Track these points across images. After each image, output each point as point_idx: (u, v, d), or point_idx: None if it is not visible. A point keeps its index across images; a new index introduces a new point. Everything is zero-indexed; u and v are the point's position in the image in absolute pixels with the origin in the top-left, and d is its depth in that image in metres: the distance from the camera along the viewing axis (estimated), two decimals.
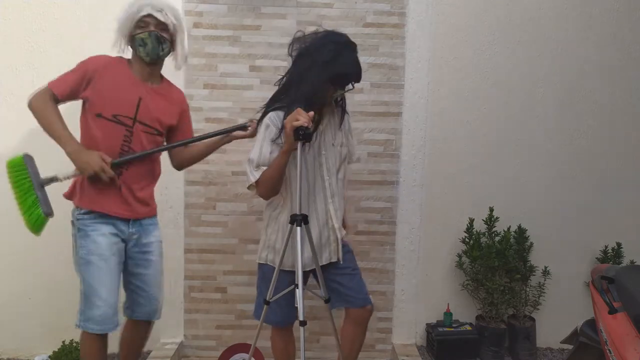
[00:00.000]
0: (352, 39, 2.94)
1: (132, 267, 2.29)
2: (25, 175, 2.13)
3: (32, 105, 2.13)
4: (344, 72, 2.07)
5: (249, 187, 2.17)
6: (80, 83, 2.14)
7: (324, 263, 2.25)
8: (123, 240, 2.24)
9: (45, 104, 2.11)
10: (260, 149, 2.11)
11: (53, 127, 2.12)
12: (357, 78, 2.11)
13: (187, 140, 2.35)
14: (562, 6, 3.05)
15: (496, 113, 3.10)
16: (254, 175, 2.11)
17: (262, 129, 2.13)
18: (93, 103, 2.16)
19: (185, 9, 2.92)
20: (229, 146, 2.97)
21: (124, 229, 2.23)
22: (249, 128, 2.34)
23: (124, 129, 2.17)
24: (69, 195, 2.25)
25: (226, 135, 2.37)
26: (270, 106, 2.17)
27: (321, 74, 2.04)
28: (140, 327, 2.40)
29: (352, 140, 2.40)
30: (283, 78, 2.19)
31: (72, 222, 2.22)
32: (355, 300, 2.28)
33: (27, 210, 2.11)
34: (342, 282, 2.26)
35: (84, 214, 2.18)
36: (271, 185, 2.10)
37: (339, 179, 2.27)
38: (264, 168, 2.09)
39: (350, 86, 2.14)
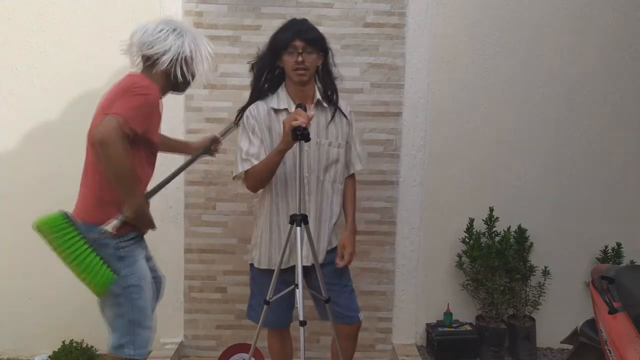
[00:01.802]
0: (352, 39, 2.97)
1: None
2: (74, 234, 1.92)
3: (109, 144, 1.81)
4: (280, 33, 2.11)
5: (234, 177, 2.18)
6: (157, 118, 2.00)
7: (305, 264, 2.17)
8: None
9: (124, 145, 1.85)
10: (249, 139, 2.13)
11: (130, 175, 1.90)
12: (297, 34, 2.07)
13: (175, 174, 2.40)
14: (562, 6, 3.04)
15: (496, 113, 3.10)
16: (242, 166, 2.12)
17: (243, 121, 2.18)
18: (147, 137, 1.99)
19: (185, 9, 2.92)
20: (228, 146, 2.98)
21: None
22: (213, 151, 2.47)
23: (156, 151, 2.16)
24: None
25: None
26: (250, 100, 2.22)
27: (265, 51, 2.15)
28: None
29: (356, 148, 2.33)
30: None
31: (109, 247, 1.99)
32: (343, 317, 2.27)
33: (91, 272, 1.91)
34: (331, 298, 2.22)
35: (127, 240, 2.01)
36: (261, 180, 2.13)
37: (327, 180, 2.22)
38: (253, 161, 2.10)
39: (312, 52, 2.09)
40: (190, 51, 2.06)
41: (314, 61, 2.12)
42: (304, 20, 2.18)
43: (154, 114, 1.99)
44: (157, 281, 2.30)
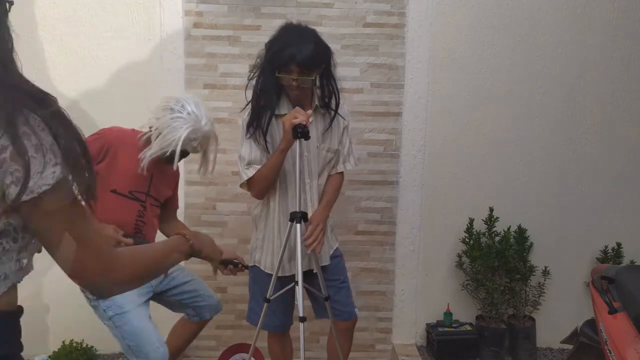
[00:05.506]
0: (352, 39, 2.97)
1: (174, 291, 2.37)
2: None
3: None
4: (279, 50, 1.99)
5: (241, 185, 2.18)
6: (96, 156, 2.06)
7: (304, 270, 2.16)
8: (148, 291, 2.26)
9: None
10: (250, 147, 2.12)
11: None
12: (292, 58, 1.96)
13: None
14: (562, 6, 3.04)
15: (496, 113, 3.10)
16: (246, 174, 2.11)
17: (245, 127, 2.14)
18: (108, 178, 2.10)
19: (185, 9, 2.92)
20: (228, 146, 2.99)
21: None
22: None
23: (138, 204, 2.18)
24: None
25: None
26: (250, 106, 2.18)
27: (264, 61, 2.07)
28: (197, 325, 2.49)
29: (349, 147, 2.31)
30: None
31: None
32: (340, 314, 2.29)
33: None
34: (330, 295, 2.22)
35: None
36: (266, 184, 2.11)
37: (321, 183, 2.28)
38: (256, 166, 2.09)
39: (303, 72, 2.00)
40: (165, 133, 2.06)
41: (310, 82, 2.05)
42: (302, 36, 2.04)
43: (109, 154, 2.09)
44: (201, 296, 2.41)
